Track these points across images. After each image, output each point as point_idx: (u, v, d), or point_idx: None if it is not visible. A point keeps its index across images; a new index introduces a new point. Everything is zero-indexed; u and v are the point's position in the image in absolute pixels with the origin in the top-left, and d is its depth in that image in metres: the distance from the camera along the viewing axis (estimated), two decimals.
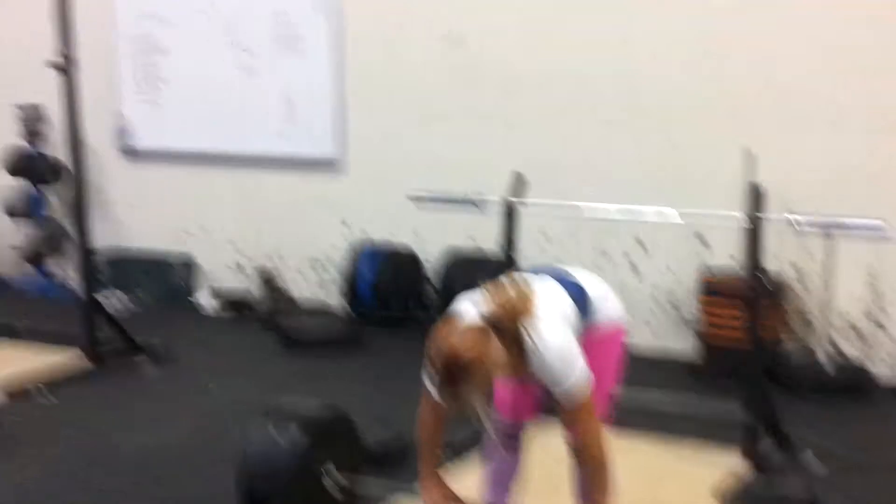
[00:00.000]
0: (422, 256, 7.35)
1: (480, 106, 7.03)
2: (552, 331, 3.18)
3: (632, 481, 4.43)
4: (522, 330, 3.15)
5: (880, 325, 6.14)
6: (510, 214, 5.14)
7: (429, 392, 3.31)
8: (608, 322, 3.49)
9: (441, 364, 3.03)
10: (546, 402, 3.45)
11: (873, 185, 5.97)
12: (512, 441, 3.60)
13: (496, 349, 3.07)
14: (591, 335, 3.41)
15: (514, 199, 5.13)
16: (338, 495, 3.88)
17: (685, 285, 6.60)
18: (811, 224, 4.85)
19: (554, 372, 3.16)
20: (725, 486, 4.34)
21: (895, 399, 5.75)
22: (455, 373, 3.01)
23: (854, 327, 6.20)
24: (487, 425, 3.43)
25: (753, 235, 4.58)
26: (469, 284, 6.81)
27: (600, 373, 3.37)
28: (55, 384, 5.81)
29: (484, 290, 3.23)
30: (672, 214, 5.62)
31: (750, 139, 5.95)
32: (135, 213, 8.38)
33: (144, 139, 8.22)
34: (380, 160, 7.40)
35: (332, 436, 3.91)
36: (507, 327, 3.11)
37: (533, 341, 3.15)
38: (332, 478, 3.83)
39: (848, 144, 6.06)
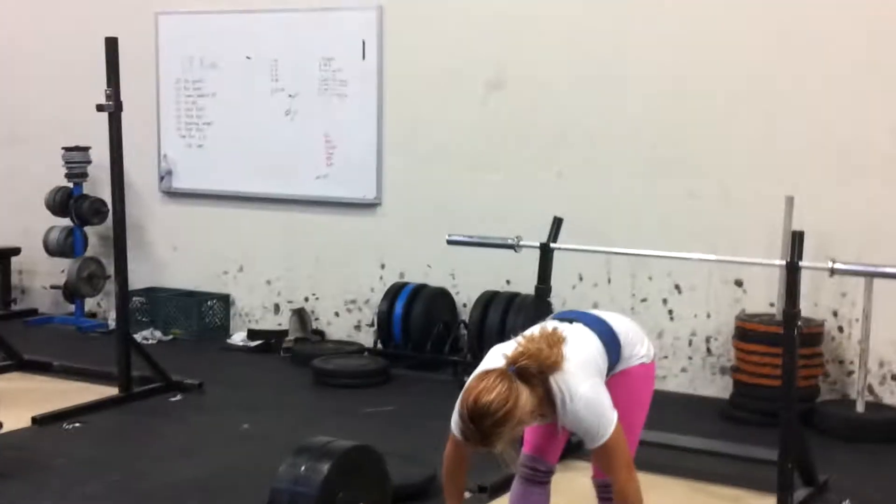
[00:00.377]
0: (457, 299, 7.38)
1: (523, 153, 7.08)
2: (582, 384, 3.18)
3: None
4: (553, 383, 3.16)
5: None
6: (546, 257, 5.16)
7: (453, 433, 3.33)
8: (639, 364, 3.49)
9: (469, 419, 3.05)
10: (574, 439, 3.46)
11: None
12: (539, 479, 3.60)
13: (525, 401, 3.07)
14: (621, 377, 3.42)
15: (551, 243, 5.15)
16: None
17: (722, 330, 6.57)
18: (853, 271, 4.81)
19: (585, 426, 3.18)
20: None
21: None
22: (485, 427, 3.03)
23: (893, 374, 6.14)
24: (514, 468, 3.44)
25: (792, 282, 4.55)
26: (503, 327, 6.90)
27: (629, 414, 3.37)
28: (88, 418, 5.86)
29: (515, 342, 3.24)
30: (709, 258, 5.64)
31: (794, 187, 5.99)
32: (175, 253, 8.48)
33: (186, 180, 8.34)
34: (418, 204, 7.44)
35: (362, 474, 3.92)
36: (537, 379, 3.12)
37: (563, 394, 3.16)
38: None
39: (891, 195, 6.05)
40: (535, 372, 3.10)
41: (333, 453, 3.83)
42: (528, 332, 3.28)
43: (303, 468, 3.78)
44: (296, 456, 3.85)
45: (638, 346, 3.51)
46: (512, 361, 3.13)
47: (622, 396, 3.34)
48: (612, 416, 3.18)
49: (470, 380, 3.13)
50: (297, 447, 3.91)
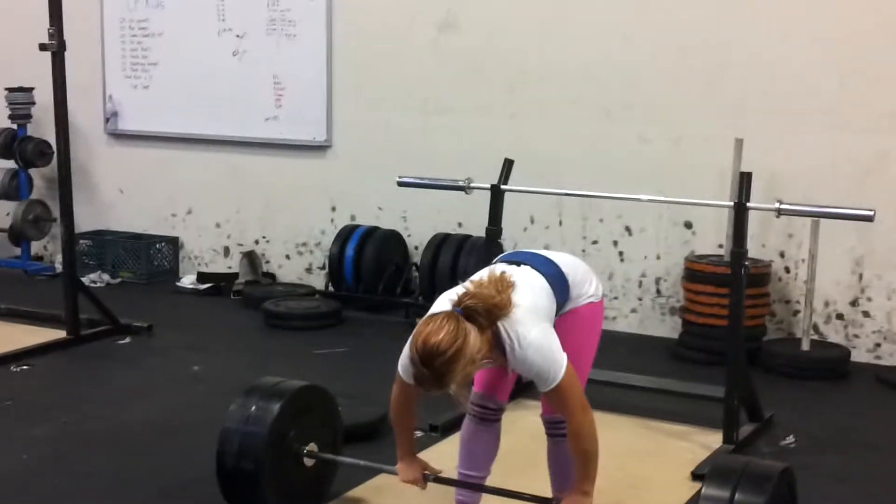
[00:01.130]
0: (409, 242, 7.38)
1: (475, 95, 7.04)
2: (531, 330, 3.19)
3: (613, 459, 4.47)
4: (501, 329, 3.17)
5: (864, 312, 6.19)
6: (497, 199, 5.15)
7: (401, 376, 3.35)
8: (587, 303, 3.51)
9: (420, 361, 3.05)
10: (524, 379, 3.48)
11: (860, 181, 6.01)
12: (490, 417, 3.62)
13: (474, 341, 3.07)
14: (570, 316, 3.44)
15: (501, 185, 5.14)
16: (317, 472, 3.90)
17: (671, 271, 6.63)
18: (801, 212, 4.86)
19: (536, 370, 3.20)
20: (703, 464, 4.37)
21: (874, 383, 5.79)
22: (436, 367, 3.03)
23: (837, 313, 6.24)
24: (465, 406, 3.46)
25: (740, 222, 4.59)
26: (454, 269, 6.92)
27: (578, 353, 3.40)
28: (36, 361, 5.82)
29: (463, 287, 3.25)
30: (662, 199, 5.68)
31: (744, 131, 6.03)
32: (121, 196, 8.37)
33: (133, 122, 8.21)
34: (370, 146, 7.40)
35: (312, 414, 3.92)
36: (485, 322, 3.13)
37: (512, 340, 3.17)
38: (311, 454, 3.84)
39: (839, 140, 6.10)
40: (483, 314, 3.11)
41: (284, 393, 3.82)
42: (476, 277, 3.28)
43: (253, 408, 3.77)
44: (246, 396, 3.84)
45: (586, 285, 3.52)
46: (459, 303, 3.14)
47: (571, 336, 3.37)
48: (562, 360, 3.20)
49: (418, 325, 3.13)
50: (247, 388, 3.89)
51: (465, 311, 3.10)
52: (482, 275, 3.30)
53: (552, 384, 3.19)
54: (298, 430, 3.82)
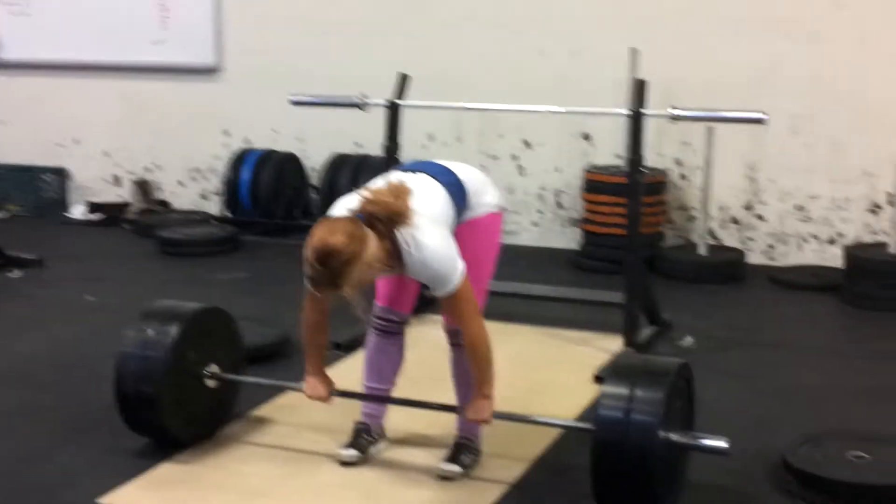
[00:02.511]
0: (306, 164, 7.27)
1: (370, 12, 6.91)
2: (428, 235, 3.16)
3: (518, 366, 4.54)
4: (399, 235, 3.14)
5: (757, 216, 6.31)
6: (394, 116, 5.08)
7: (310, 290, 3.30)
8: (486, 213, 3.49)
9: (315, 259, 3.00)
10: (426, 292, 3.47)
11: (753, 88, 6.08)
12: (393, 330, 3.61)
13: (372, 246, 3.05)
14: (468, 226, 3.41)
15: (397, 100, 5.07)
16: (220, 394, 3.85)
17: (571, 184, 6.66)
18: (694, 117, 4.89)
19: (432, 274, 3.17)
20: (605, 367, 4.44)
21: (769, 284, 5.94)
22: (332, 267, 2.99)
23: (732, 218, 6.36)
24: (365, 317, 3.43)
25: (636, 130, 4.61)
26: (353, 189, 6.89)
27: (478, 263, 3.39)
28: None
29: (360, 192, 3.20)
30: (558, 110, 5.66)
31: (640, 43, 6.03)
32: (4, 127, 8.07)
33: (14, 51, 7.89)
34: (262, 68, 7.23)
35: (212, 336, 3.85)
36: (384, 228, 3.10)
37: (409, 246, 3.14)
38: (213, 376, 3.79)
39: (731, 48, 6.15)
40: (383, 220, 3.07)
41: (182, 316, 3.73)
42: (373, 185, 3.23)
43: (150, 332, 3.68)
44: (143, 320, 3.75)
45: (485, 194, 3.50)
46: (360, 209, 3.09)
47: (470, 245, 3.35)
48: (459, 266, 3.19)
49: (315, 226, 3.08)
50: (143, 311, 3.80)
51: (366, 216, 3.06)
52: (379, 183, 3.25)
53: (448, 289, 3.17)
54: (199, 352, 3.74)
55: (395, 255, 3.16)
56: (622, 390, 3.12)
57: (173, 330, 3.66)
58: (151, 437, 3.73)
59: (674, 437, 3.14)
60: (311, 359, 3.54)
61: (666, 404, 3.08)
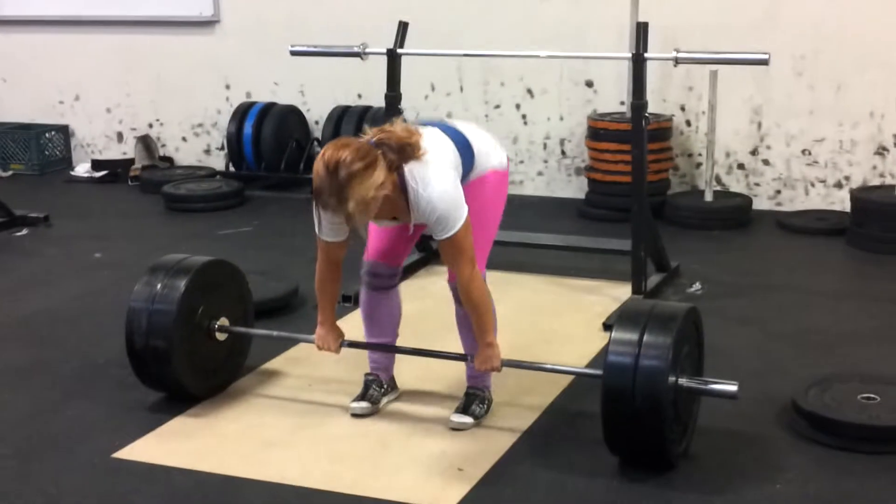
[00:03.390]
0: (308, 116, 7.24)
1: None
2: (436, 173, 3.17)
3: (526, 315, 4.57)
4: (407, 173, 3.14)
5: (763, 161, 6.29)
6: (393, 64, 5.04)
7: (320, 237, 3.33)
8: (492, 172, 3.48)
9: (324, 169, 3.01)
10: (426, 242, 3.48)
11: (756, 29, 6.02)
12: (384, 284, 3.61)
13: (380, 173, 3.05)
14: (475, 185, 3.41)
15: (397, 49, 5.03)
16: (230, 347, 3.87)
17: (575, 132, 6.63)
18: (697, 59, 4.86)
19: (437, 215, 3.17)
20: (613, 314, 4.45)
21: (776, 229, 5.93)
22: (338, 179, 2.98)
23: (738, 163, 6.34)
24: (364, 237, 3.44)
25: (639, 74, 4.57)
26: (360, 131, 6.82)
27: (483, 222, 3.40)
28: None
29: (369, 129, 3.21)
30: (560, 55, 5.63)
31: None
32: (5, 85, 8.03)
33: (11, 6, 7.82)
34: (260, 19, 7.17)
35: (221, 288, 3.86)
36: (394, 157, 3.09)
37: (417, 184, 3.14)
38: (223, 329, 3.81)
39: None
40: (394, 150, 3.09)
41: (190, 269, 3.74)
42: (384, 126, 3.23)
43: (159, 286, 3.69)
44: (151, 274, 3.75)
45: (491, 154, 3.49)
46: (372, 137, 3.12)
47: (477, 203, 3.35)
48: (463, 211, 3.19)
49: (328, 143, 3.11)
50: (151, 265, 3.80)
51: (378, 143, 3.08)
52: (390, 122, 3.26)
53: (450, 232, 3.18)
54: (208, 305, 3.76)
55: (401, 193, 3.16)
56: (631, 336, 3.13)
57: (182, 283, 3.67)
58: (164, 392, 3.76)
59: (683, 382, 3.16)
60: (323, 309, 3.56)
61: (675, 349, 3.09)
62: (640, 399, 3.05)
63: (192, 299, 3.68)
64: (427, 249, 5.19)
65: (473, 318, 3.35)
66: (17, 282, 5.27)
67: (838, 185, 6.17)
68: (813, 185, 6.23)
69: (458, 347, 3.61)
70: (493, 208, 3.52)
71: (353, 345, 3.64)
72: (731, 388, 3.19)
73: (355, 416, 3.61)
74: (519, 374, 3.77)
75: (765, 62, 4.43)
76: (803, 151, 6.19)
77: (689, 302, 4.60)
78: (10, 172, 7.73)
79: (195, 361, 3.71)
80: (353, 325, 4.41)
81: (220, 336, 3.80)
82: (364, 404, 3.62)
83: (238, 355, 3.95)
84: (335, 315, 3.61)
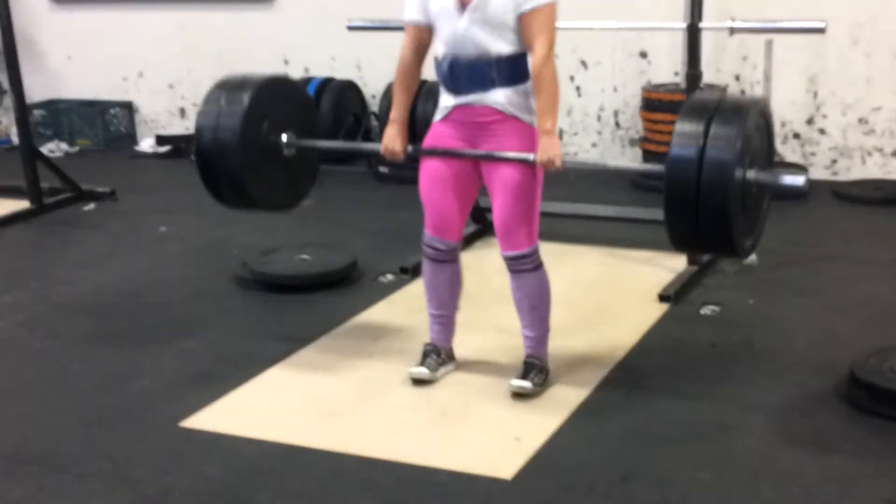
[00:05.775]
0: (365, 91, 7.31)
1: None
2: None
3: (582, 287, 4.63)
4: None
5: (819, 130, 6.26)
6: None
7: (407, 22, 3.51)
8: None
9: None
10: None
11: None
12: (443, 258, 3.67)
13: None
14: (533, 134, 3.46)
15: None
16: (298, 161, 3.92)
17: (629, 103, 6.64)
18: (753, 28, 4.85)
19: None
20: (670, 286, 4.49)
21: (832, 199, 5.91)
22: None
23: (794, 133, 6.31)
24: None
25: (693, 45, 4.59)
26: (413, 115, 6.90)
27: (538, 189, 3.50)
28: (2, 232, 5.81)
29: None
30: (615, 26, 5.63)
31: None
32: (70, 63, 8.21)
33: None
34: None
35: (284, 102, 3.88)
36: None
37: None
38: (289, 143, 3.84)
39: None
40: None
41: (252, 84, 3.79)
42: None
43: (223, 101, 3.74)
44: (216, 90, 3.81)
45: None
46: None
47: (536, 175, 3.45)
48: None
49: None
50: (215, 84, 3.86)
51: None
52: None
53: (541, 2, 3.28)
54: (272, 119, 3.80)
55: None
56: (695, 127, 3.05)
57: (245, 97, 3.72)
58: (237, 207, 3.94)
59: (751, 175, 3.08)
60: (398, 105, 3.61)
61: (742, 141, 3.01)
62: (705, 193, 2.99)
63: (257, 114, 3.74)
64: (482, 221, 5.26)
65: (540, 97, 3.37)
66: (85, 255, 5.43)
67: None
68: (870, 154, 6.19)
69: (513, 317, 3.67)
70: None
71: (418, 152, 3.59)
72: (800, 180, 3.13)
73: (415, 381, 3.70)
74: (576, 343, 3.84)
75: (821, 30, 4.41)
76: (860, 120, 6.15)
77: (745, 272, 4.66)
78: (76, 148, 7.92)
79: (265, 176, 3.80)
80: (409, 296, 4.53)
81: (287, 151, 3.86)
82: (423, 370, 3.71)
83: (308, 170, 4.03)
84: (408, 117, 3.62)
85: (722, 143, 2.98)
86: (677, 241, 3.14)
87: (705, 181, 2.97)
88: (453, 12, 3.36)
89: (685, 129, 3.06)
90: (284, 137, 3.85)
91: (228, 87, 3.79)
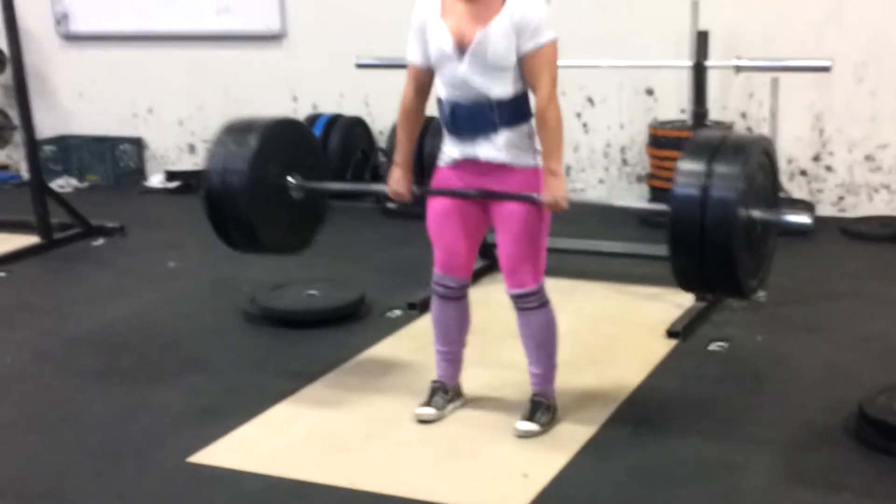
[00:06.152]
0: (373, 127, 7.36)
1: None
2: None
3: (589, 322, 4.63)
4: None
5: (826, 167, 6.28)
6: None
7: (410, 62, 3.54)
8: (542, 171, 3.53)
9: None
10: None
11: (816, 35, 6.02)
12: (452, 295, 3.69)
13: None
14: (537, 174, 3.47)
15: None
16: (306, 206, 3.94)
17: (636, 140, 6.67)
18: (758, 67, 4.88)
19: (532, 17, 3.27)
20: (677, 322, 4.49)
21: (839, 236, 5.91)
22: None
23: (801, 170, 6.33)
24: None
25: (699, 82, 4.63)
26: (421, 151, 6.93)
27: (545, 229, 3.53)
28: (11, 268, 5.82)
29: None
30: (621, 64, 5.68)
31: None
32: (81, 100, 8.27)
33: (84, 23, 8.06)
34: (326, 32, 7.31)
35: (292, 147, 3.91)
36: None
37: None
38: (297, 185, 3.87)
39: None
40: None
41: (260, 127, 3.81)
42: None
43: (231, 145, 3.76)
44: (223, 134, 3.83)
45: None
46: None
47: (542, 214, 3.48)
48: (554, 32, 3.31)
49: None
50: (223, 127, 3.88)
51: None
52: None
53: (540, 40, 3.28)
54: (277, 164, 3.82)
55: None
56: (699, 166, 3.05)
57: (252, 141, 3.74)
58: (247, 250, 3.92)
59: (756, 213, 3.08)
60: (402, 147, 3.63)
61: (746, 180, 3.02)
62: (710, 232, 2.99)
63: (264, 157, 3.76)
64: (490, 257, 5.27)
65: (544, 138, 3.37)
66: (94, 291, 5.45)
67: None
68: (877, 190, 6.20)
69: (521, 354, 3.68)
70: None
71: (425, 192, 3.61)
72: (805, 219, 3.13)
73: (422, 421, 3.70)
74: (584, 379, 3.84)
75: (827, 69, 4.45)
76: (866, 157, 6.17)
77: (752, 308, 4.65)
78: (86, 183, 7.97)
79: (273, 219, 3.82)
80: (416, 332, 4.53)
81: (296, 194, 3.88)
82: (430, 410, 3.71)
83: (316, 213, 4.05)
84: (412, 158, 3.63)
85: (725, 182, 2.98)
86: (682, 282, 3.12)
87: (709, 220, 2.97)
88: (452, 56, 3.38)
89: (688, 167, 3.07)
90: (292, 180, 3.87)
91: (236, 131, 3.82)
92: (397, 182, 3.63)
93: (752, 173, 3.04)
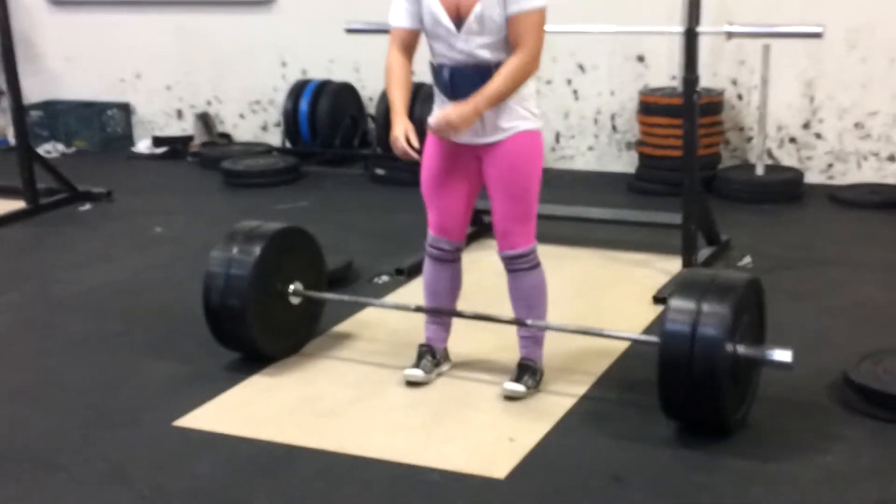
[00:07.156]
0: (363, 93, 7.32)
1: None
2: None
3: (578, 288, 4.63)
4: None
5: (815, 134, 6.27)
6: None
7: (392, 26, 3.47)
8: (538, 133, 3.54)
9: None
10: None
11: (809, 4, 5.99)
12: (446, 258, 3.69)
13: None
14: (532, 136, 3.47)
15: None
16: (303, 310, 3.98)
17: (626, 106, 6.65)
18: (750, 33, 4.85)
19: None
20: (664, 288, 4.49)
21: (828, 203, 5.92)
22: None
23: (790, 137, 6.32)
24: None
25: (690, 49, 4.60)
26: (411, 117, 6.93)
27: (537, 184, 3.51)
28: None
29: None
30: (612, 30, 5.65)
31: None
32: (68, 64, 8.21)
33: None
34: None
35: (295, 254, 3.96)
36: None
37: None
38: (297, 294, 3.92)
39: None
40: None
41: (265, 234, 3.85)
42: None
43: (235, 250, 3.79)
44: (228, 240, 3.85)
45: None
46: None
47: (535, 164, 3.48)
48: (543, 1, 3.30)
49: None
50: (228, 232, 3.90)
51: None
52: None
53: (528, 7, 3.27)
54: (282, 271, 3.87)
55: None
56: (689, 304, 3.16)
57: (256, 249, 3.78)
58: (240, 352, 3.92)
59: (740, 349, 3.18)
60: (399, 99, 3.47)
61: (733, 318, 3.12)
62: (697, 366, 3.09)
63: (267, 264, 3.80)
64: (478, 223, 5.27)
65: (497, 78, 3.32)
66: (81, 256, 5.43)
67: (891, 159, 6.14)
68: (866, 158, 6.20)
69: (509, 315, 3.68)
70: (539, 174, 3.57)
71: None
72: (786, 358, 3.20)
73: (409, 383, 3.71)
74: (570, 345, 3.85)
75: (819, 35, 4.42)
76: (856, 125, 6.17)
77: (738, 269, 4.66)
78: (73, 149, 7.93)
79: (270, 323, 3.85)
80: (405, 296, 4.53)
81: (294, 300, 3.92)
82: (418, 371, 3.71)
83: (311, 319, 4.08)
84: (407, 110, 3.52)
85: (713, 321, 3.12)
86: (668, 410, 3.26)
87: (697, 355, 3.11)
88: (449, 27, 3.35)
89: (679, 305, 3.19)
90: (292, 287, 3.92)
91: (239, 237, 3.85)
92: (405, 134, 3.42)
93: (739, 312, 3.18)
